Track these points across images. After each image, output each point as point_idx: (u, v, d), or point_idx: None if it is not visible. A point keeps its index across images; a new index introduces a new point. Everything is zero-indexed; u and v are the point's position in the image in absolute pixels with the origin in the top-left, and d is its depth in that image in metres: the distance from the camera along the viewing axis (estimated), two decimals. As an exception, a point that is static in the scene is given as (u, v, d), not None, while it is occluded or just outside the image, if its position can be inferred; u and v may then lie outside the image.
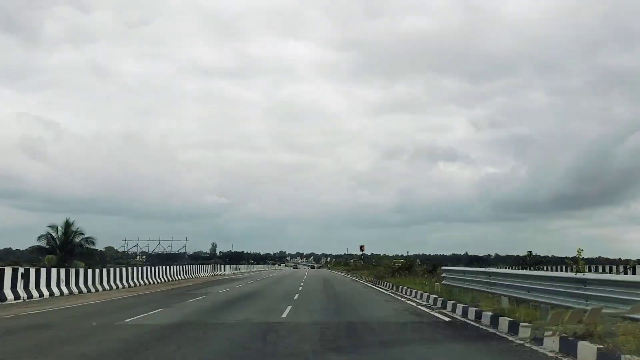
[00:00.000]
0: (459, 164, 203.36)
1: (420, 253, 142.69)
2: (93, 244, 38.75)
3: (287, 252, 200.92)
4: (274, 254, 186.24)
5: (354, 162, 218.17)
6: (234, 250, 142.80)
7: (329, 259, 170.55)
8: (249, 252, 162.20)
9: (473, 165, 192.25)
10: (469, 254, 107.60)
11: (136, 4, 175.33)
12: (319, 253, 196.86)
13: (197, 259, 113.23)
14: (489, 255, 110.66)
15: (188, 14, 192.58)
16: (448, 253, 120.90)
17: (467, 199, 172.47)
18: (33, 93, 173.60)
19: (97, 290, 22.88)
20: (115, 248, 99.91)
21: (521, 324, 8.80)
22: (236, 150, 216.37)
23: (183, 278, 36.72)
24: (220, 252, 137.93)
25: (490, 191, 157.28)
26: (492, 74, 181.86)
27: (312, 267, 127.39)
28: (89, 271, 23.47)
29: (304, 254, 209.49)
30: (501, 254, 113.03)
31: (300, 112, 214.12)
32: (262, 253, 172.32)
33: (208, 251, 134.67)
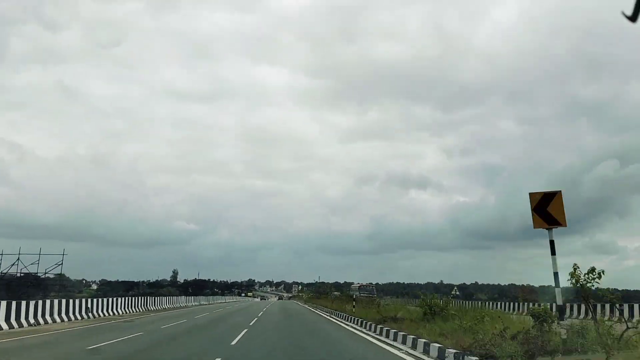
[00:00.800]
0: (431, 191, 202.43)
1: (395, 282, 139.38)
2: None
3: (256, 280, 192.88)
4: (242, 282, 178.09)
5: (327, 188, 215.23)
6: (199, 277, 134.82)
7: (300, 287, 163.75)
8: (215, 280, 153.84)
9: (444, 193, 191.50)
10: (444, 282, 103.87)
11: (107, 24, 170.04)
12: (290, 281, 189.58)
13: (156, 287, 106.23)
14: (464, 283, 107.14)
15: (160, 36, 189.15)
16: (422, 282, 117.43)
17: (437, 226, 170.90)
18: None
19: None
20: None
21: None
22: (207, 175, 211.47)
23: (114, 314, 30.74)
24: (184, 280, 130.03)
25: (460, 219, 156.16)
26: (464, 103, 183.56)
27: (280, 298, 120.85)
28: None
29: (274, 282, 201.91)
30: (480, 282, 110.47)
31: (273, 138, 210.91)
32: (230, 281, 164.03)
33: (169, 278, 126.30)
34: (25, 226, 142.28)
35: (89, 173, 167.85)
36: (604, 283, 9.41)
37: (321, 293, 75.39)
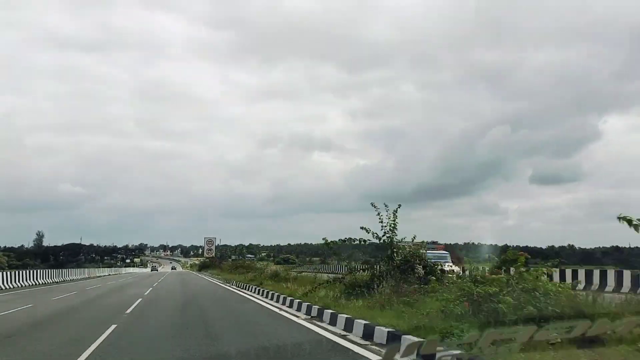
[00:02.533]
0: (334, 154, 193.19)
1: (295, 243, 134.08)
2: None
3: (147, 245, 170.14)
4: (133, 246, 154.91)
5: (228, 150, 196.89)
6: (70, 242, 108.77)
7: (200, 251, 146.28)
8: (97, 244, 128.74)
9: (347, 155, 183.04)
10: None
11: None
12: (188, 245, 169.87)
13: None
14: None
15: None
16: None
17: (338, 189, 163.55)
18: None
19: None
20: None
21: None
22: (97, 134, 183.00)
23: None
24: (49, 245, 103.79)
25: (360, 182, 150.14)
26: (370, 64, 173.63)
27: (174, 268, 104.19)
28: None
29: (169, 246, 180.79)
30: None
31: (171, 95, 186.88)
32: (119, 246, 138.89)
33: (29, 245, 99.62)
34: None
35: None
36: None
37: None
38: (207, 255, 75.59)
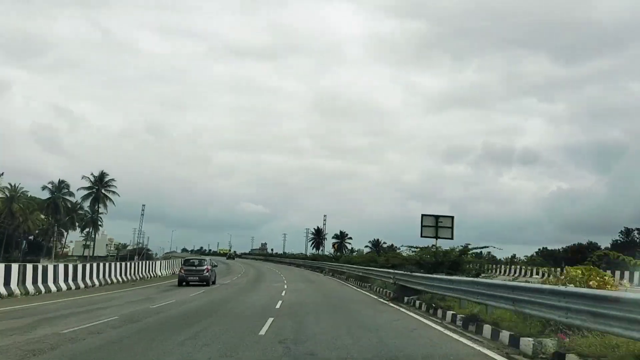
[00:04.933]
0: (528, 173, 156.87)
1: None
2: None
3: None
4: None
5: (403, 169, 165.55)
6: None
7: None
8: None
9: (545, 175, 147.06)
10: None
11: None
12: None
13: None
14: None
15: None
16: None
17: (529, 216, 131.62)
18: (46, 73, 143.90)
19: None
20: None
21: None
22: (273, 153, 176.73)
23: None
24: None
25: (559, 209, 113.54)
26: (587, 54, 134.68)
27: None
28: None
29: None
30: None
31: (346, 106, 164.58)
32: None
33: None
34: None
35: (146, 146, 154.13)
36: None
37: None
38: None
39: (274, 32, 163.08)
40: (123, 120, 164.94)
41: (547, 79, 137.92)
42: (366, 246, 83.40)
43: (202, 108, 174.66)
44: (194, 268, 26.05)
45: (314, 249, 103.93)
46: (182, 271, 25.98)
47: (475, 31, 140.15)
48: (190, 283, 24.77)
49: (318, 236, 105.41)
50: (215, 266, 29.56)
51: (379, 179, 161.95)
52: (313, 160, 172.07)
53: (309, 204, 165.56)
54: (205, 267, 25.91)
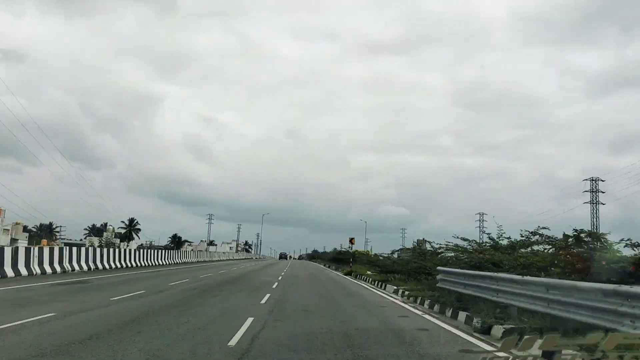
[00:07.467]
0: None
1: None
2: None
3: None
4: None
5: (557, 166, 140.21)
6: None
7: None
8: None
9: None
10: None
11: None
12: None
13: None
14: None
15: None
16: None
17: None
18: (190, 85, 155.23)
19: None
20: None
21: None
22: (412, 153, 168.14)
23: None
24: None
25: None
26: None
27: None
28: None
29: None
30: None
31: (490, 97, 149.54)
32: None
33: None
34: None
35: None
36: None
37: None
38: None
39: (407, 22, 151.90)
40: (263, 127, 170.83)
41: None
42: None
43: (336, 109, 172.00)
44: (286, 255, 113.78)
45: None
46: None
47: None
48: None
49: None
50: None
51: (528, 177, 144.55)
52: (455, 159, 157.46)
53: (452, 206, 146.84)
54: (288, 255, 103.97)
